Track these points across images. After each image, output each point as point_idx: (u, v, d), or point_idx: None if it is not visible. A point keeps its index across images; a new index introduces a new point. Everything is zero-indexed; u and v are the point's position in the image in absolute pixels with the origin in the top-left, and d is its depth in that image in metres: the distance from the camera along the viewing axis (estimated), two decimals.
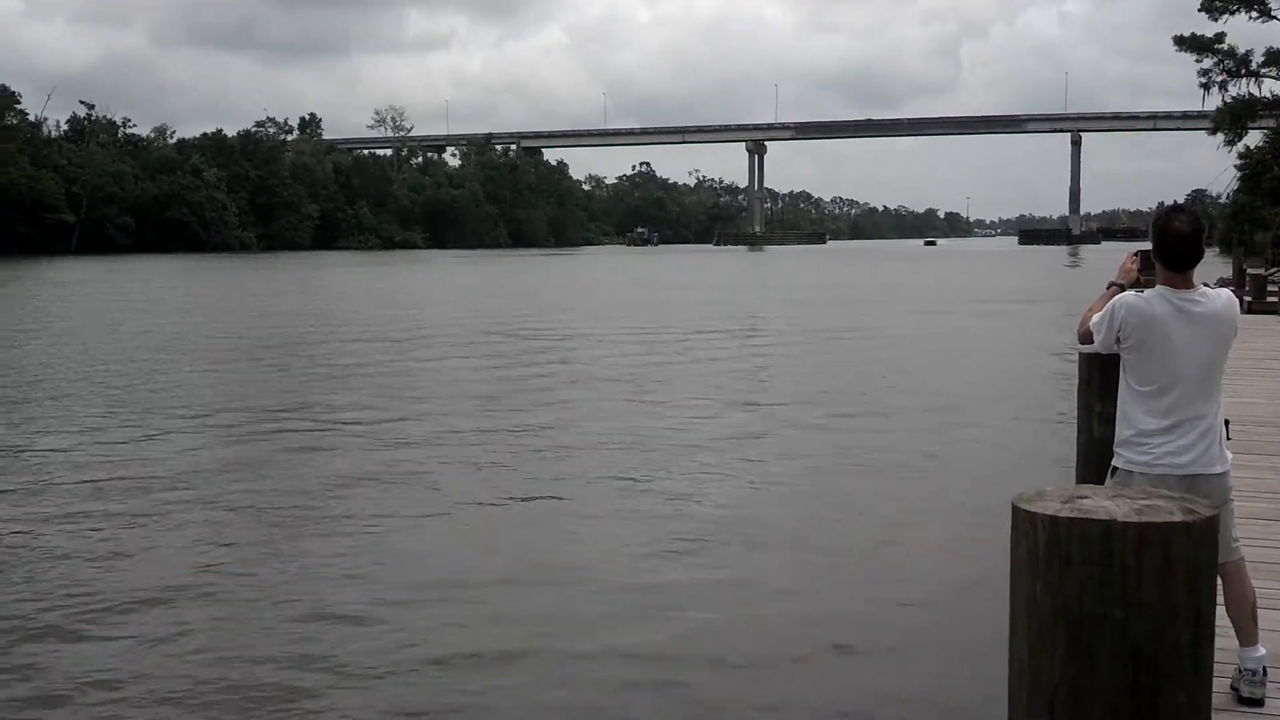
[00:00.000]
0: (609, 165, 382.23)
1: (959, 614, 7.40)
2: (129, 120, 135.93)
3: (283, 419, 15.19)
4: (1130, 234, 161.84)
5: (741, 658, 6.84)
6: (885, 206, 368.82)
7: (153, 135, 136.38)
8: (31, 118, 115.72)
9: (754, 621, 7.48)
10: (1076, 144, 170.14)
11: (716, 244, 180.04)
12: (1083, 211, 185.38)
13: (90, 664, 6.71)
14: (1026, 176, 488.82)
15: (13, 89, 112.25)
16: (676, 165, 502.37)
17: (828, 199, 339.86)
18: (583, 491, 10.97)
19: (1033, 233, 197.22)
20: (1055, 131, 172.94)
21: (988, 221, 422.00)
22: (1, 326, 29.76)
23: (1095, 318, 4.29)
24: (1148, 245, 4.28)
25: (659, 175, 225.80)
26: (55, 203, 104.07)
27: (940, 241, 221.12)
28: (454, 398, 17.11)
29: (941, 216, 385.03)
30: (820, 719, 6.09)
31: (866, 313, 35.62)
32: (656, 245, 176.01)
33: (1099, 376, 4.81)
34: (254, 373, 20.71)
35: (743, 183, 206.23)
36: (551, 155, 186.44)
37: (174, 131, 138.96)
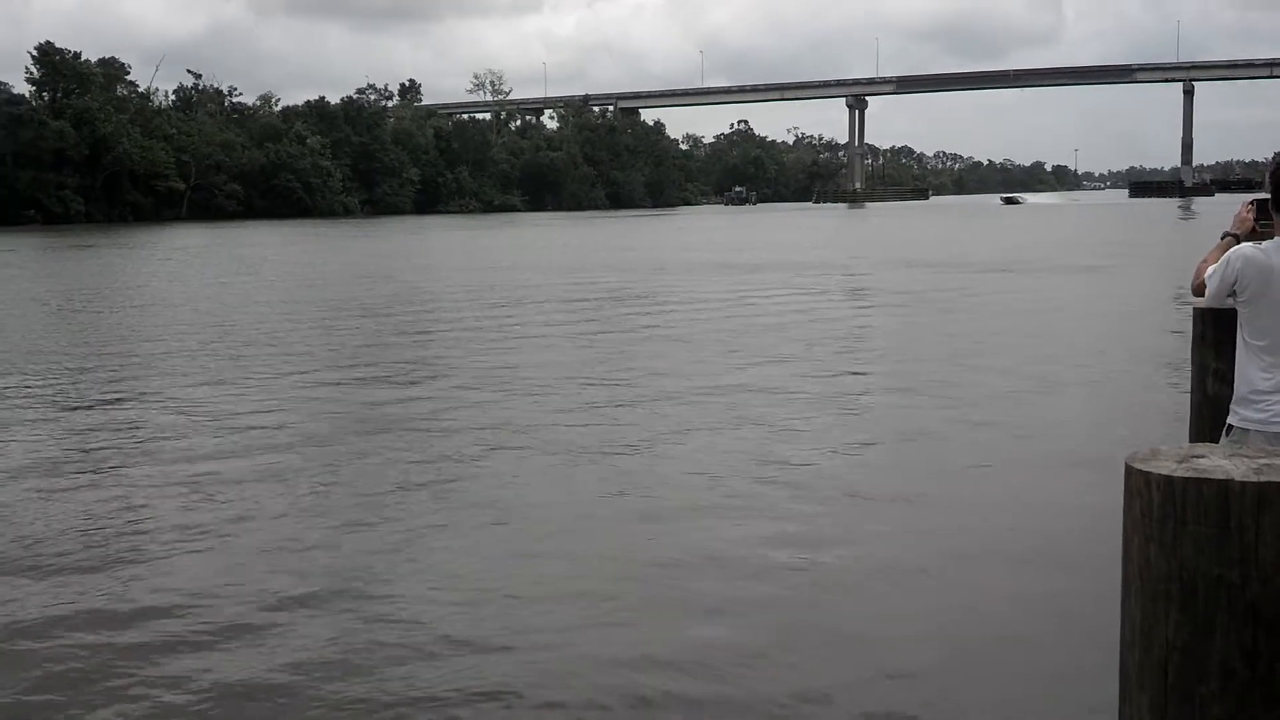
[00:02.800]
0: (706, 124, 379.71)
1: (1070, 577, 7.27)
2: (235, 89, 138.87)
3: (411, 375, 15.47)
4: (1245, 185, 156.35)
5: (851, 609, 6.82)
6: (990, 160, 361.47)
7: (258, 104, 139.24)
8: (141, 89, 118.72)
9: (853, 573, 7.44)
10: (1189, 93, 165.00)
11: (815, 202, 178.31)
12: (1195, 163, 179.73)
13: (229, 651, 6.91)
14: (1136, 128, 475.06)
15: (122, 60, 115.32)
16: (775, 123, 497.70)
17: (930, 154, 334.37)
18: (683, 443, 10.99)
19: (1143, 185, 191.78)
20: (1166, 81, 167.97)
21: (1096, 174, 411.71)
22: (135, 287, 30.68)
23: (1210, 270, 4.15)
24: (1264, 195, 4.13)
25: (757, 133, 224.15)
26: (166, 171, 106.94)
27: (1029, 198, 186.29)
28: (555, 350, 17.24)
29: (1049, 170, 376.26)
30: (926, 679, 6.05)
31: (974, 271, 35.01)
32: (755, 204, 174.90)
33: (1213, 331, 4.66)
34: (376, 332, 21.10)
35: (842, 139, 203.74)
36: (649, 115, 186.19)
37: (279, 99, 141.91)
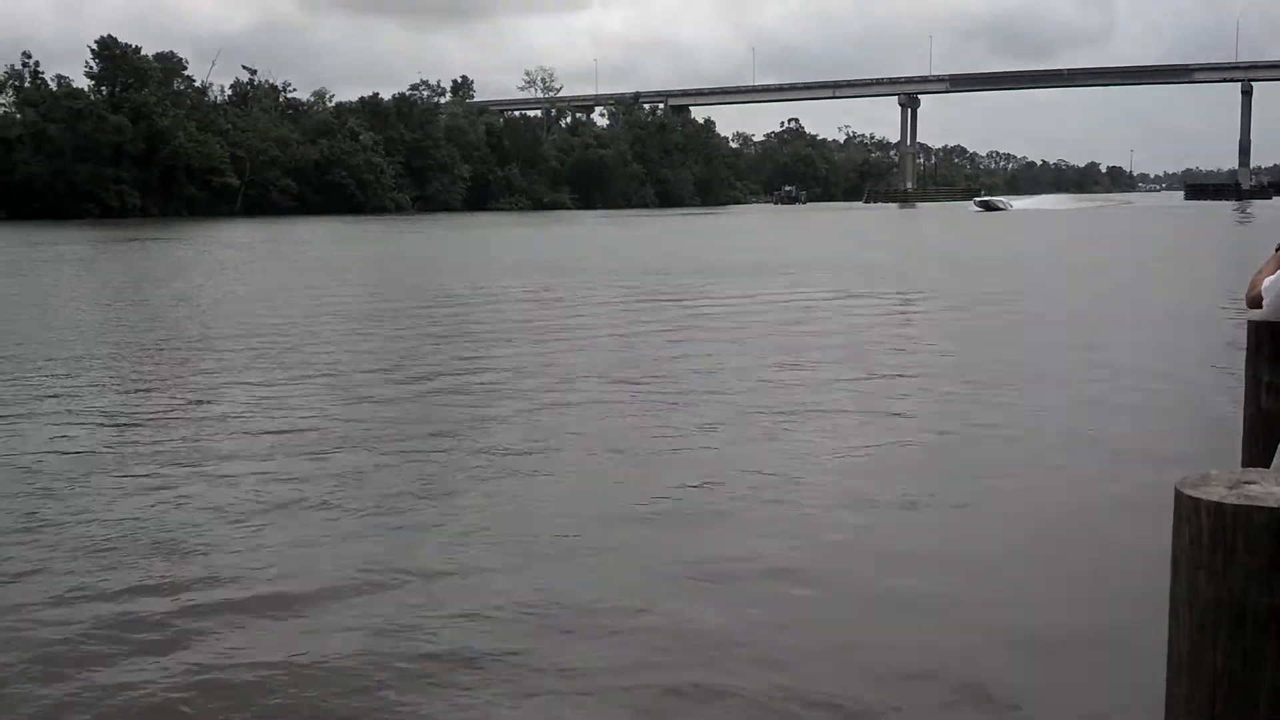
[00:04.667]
0: (757, 122, 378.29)
1: (1116, 600, 7.20)
2: (289, 85, 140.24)
3: (462, 372, 15.58)
4: None
5: (903, 617, 6.80)
6: (1044, 160, 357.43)
7: (312, 100, 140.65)
8: (197, 83, 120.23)
9: (907, 588, 7.41)
10: (1247, 94, 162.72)
11: (866, 201, 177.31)
12: (1253, 165, 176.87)
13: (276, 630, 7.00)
14: (1193, 128, 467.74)
15: (178, 55, 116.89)
16: (826, 121, 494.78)
17: (983, 153, 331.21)
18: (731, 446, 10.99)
19: (1199, 187, 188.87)
20: (1225, 81, 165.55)
21: (1152, 176, 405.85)
22: (196, 284, 31.12)
23: (1266, 281, 4.10)
24: None
25: (808, 132, 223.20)
26: (221, 166, 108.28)
27: (1019, 202, 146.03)
28: (597, 350, 17.28)
29: (1104, 170, 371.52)
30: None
31: (1020, 273, 34.71)
32: (804, 203, 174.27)
33: (1270, 345, 4.59)
34: (434, 329, 21.24)
35: (894, 138, 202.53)
36: (699, 113, 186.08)
37: (333, 96, 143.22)
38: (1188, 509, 1.67)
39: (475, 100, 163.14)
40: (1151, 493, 7.29)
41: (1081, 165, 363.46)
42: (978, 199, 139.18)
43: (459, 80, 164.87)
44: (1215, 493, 1.66)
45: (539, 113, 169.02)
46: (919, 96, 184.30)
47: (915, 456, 10.93)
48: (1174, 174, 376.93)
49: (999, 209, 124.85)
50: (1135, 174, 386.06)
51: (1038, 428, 12.07)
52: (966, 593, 7.34)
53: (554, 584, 7.44)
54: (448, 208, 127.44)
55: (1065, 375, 15.48)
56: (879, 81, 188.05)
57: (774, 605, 7.09)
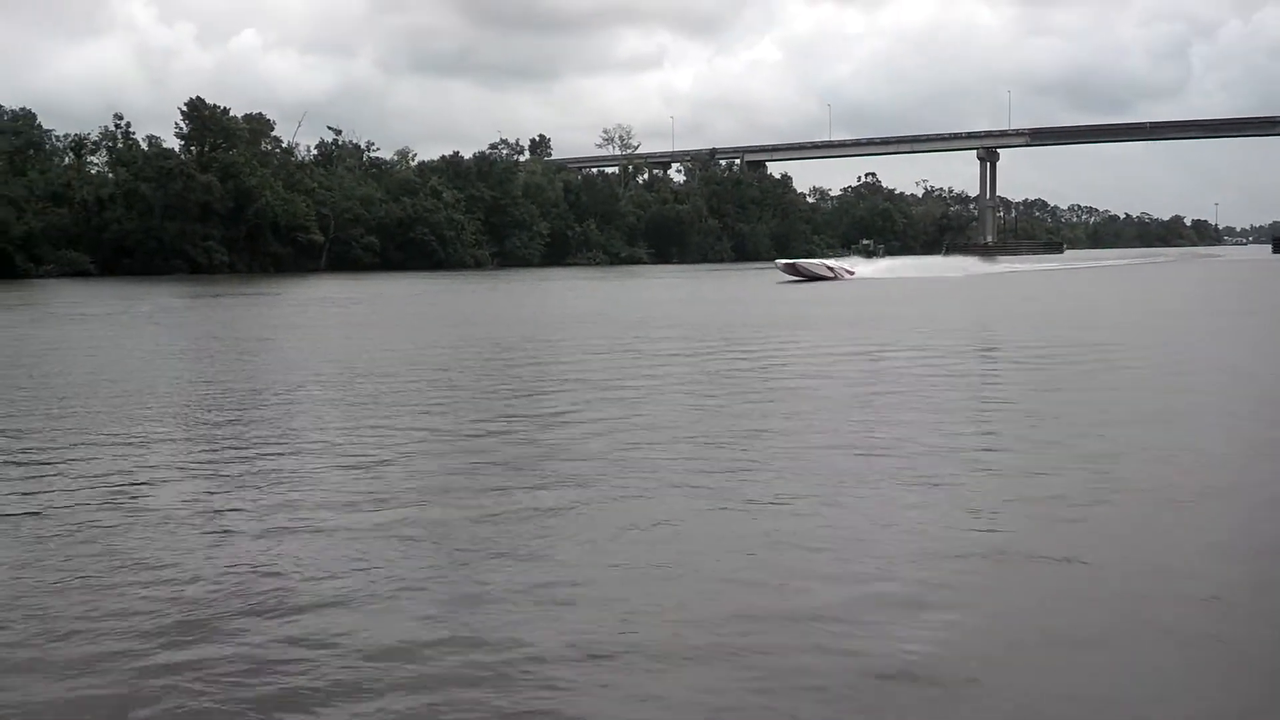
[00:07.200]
0: (834, 177, 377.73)
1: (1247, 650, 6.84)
2: (372, 144, 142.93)
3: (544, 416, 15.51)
4: None
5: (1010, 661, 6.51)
6: (1126, 214, 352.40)
7: (395, 158, 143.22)
8: (285, 144, 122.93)
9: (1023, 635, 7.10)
10: None
11: (945, 254, 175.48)
12: None
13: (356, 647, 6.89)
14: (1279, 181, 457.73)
15: (268, 116, 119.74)
16: (902, 175, 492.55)
17: (1064, 206, 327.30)
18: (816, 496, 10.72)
19: None
20: None
21: (1238, 229, 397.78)
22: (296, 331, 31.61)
23: None
24: None
25: (885, 185, 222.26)
26: (307, 224, 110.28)
27: (862, 268, 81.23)
28: (678, 403, 17.11)
29: (1189, 224, 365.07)
30: None
31: (1109, 326, 33.99)
32: (882, 257, 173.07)
33: None
34: (525, 381, 21.27)
35: (971, 191, 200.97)
36: (775, 169, 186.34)
37: (415, 154, 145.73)
38: None
39: (553, 158, 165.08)
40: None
41: (1165, 219, 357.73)
42: (782, 260, 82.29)
43: (537, 139, 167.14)
44: None
45: (616, 169, 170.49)
46: (998, 150, 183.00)
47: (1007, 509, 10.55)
48: (1260, 227, 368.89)
49: (827, 276, 74.64)
50: (1221, 227, 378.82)
51: (1140, 483, 11.64)
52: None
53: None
54: (526, 263, 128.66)
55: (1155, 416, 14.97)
56: (957, 136, 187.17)
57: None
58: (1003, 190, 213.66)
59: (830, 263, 78.74)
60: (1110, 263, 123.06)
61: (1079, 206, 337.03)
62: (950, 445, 13.61)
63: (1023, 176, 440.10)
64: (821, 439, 14.19)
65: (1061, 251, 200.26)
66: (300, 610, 7.83)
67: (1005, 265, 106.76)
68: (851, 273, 76.83)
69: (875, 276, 76.15)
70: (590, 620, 7.59)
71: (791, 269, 75.95)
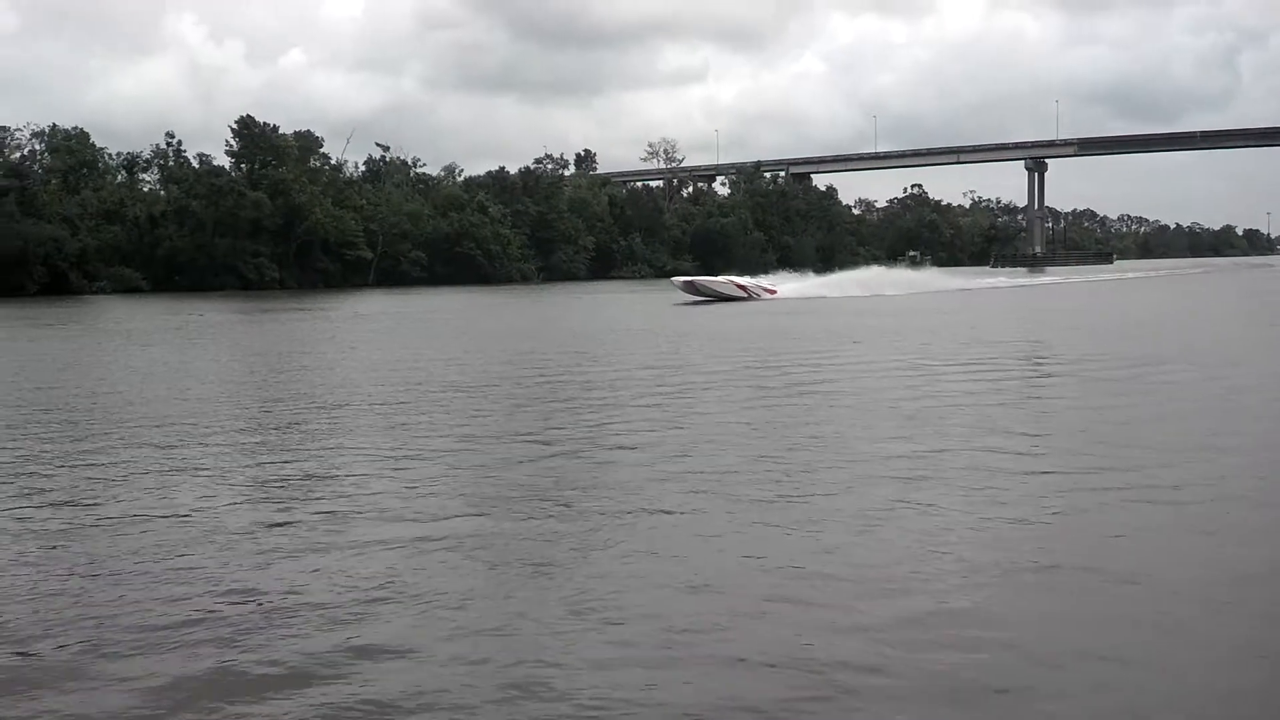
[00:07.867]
0: (879, 189, 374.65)
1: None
2: (419, 160, 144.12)
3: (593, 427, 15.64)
4: None
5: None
6: (1177, 224, 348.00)
7: (442, 174, 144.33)
8: (333, 160, 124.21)
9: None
10: None
11: (993, 265, 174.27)
12: None
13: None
14: None
15: (317, 134, 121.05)
16: (949, 186, 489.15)
17: (1114, 216, 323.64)
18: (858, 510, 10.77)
19: None
20: None
21: None
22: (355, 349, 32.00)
23: None
24: None
25: (931, 197, 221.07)
26: (355, 239, 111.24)
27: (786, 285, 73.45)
28: (720, 413, 17.19)
29: (1240, 233, 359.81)
30: None
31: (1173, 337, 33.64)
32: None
33: None
34: (574, 395, 21.42)
35: (1019, 202, 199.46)
36: (820, 180, 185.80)
37: (461, 170, 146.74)
38: None
39: (598, 173, 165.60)
40: None
41: (1216, 228, 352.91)
42: (680, 278, 75.54)
43: (582, 154, 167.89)
44: None
45: (660, 183, 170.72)
46: (1046, 160, 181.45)
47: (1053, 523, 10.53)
48: None
49: (738, 296, 66.30)
50: (1273, 236, 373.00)
51: (1179, 499, 11.58)
52: None
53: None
54: (571, 276, 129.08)
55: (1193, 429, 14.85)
56: (1004, 146, 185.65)
57: None
58: (1051, 200, 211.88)
59: (742, 280, 69.38)
60: (1157, 273, 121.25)
61: (1128, 216, 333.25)
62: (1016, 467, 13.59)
63: (1071, 187, 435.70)
64: (868, 449, 14.23)
65: (1111, 262, 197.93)
66: (341, 623, 7.98)
67: (990, 281, 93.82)
68: (773, 292, 68.62)
69: (802, 296, 67.83)
70: (633, 636, 7.68)
71: (690, 287, 68.27)
